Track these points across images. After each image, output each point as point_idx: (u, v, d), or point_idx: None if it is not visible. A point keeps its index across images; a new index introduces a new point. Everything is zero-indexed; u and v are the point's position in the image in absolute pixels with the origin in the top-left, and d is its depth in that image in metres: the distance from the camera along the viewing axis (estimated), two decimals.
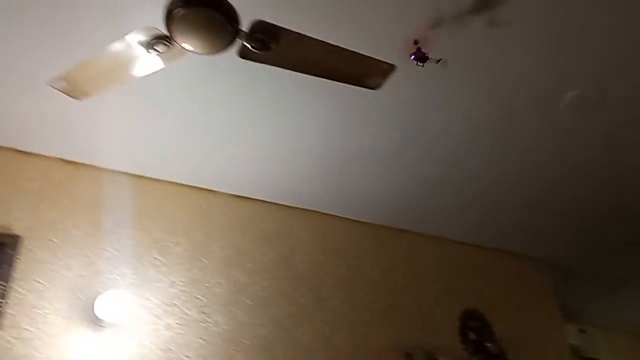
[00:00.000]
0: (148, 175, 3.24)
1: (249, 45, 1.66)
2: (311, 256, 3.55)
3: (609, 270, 4.76)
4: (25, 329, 2.49)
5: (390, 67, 1.89)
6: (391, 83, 2.35)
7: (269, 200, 3.57)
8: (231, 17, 1.55)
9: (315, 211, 3.72)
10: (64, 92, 1.92)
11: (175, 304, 2.90)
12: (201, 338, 2.87)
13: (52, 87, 1.89)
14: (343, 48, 1.83)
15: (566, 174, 3.32)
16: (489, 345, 2.86)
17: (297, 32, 1.66)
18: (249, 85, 2.49)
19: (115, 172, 3.16)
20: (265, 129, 2.83)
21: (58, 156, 3.03)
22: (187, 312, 2.91)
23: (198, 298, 2.99)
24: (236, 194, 3.46)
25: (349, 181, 3.41)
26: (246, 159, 3.13)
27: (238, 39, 1.64)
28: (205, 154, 3.08)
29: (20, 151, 2.93)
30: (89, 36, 2.09)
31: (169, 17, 1.52)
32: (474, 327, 3.02)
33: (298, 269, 3.45)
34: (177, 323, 2.85)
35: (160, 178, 3.26)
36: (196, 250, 3.14)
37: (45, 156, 2.99)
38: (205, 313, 2.96)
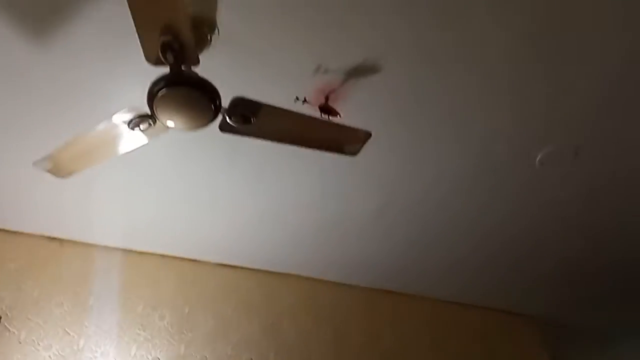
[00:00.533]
0: (132, 248, 3.24)
1: (229, 121, 1.73)
2: (299, 323, 3.50)
3: (601, 323, 4.75)
4: None
5: (367, 135, 1.97)
6: (369, 147, 2.47)
7: (253, 267, 3.56)
8: (212, 94, 1.62)
9: (302, 276, 3.71)
10: (49, 172, 1.96)
11: None
12: None
13: (38, 167, 1.92)
14: (319, 119, 1.92)
15: (554, 229, 3.34)
16: None
17: (275, 106, 1.74)
18: (229, 156, 2.55)
19: (100, 246, 3.15)
20: (246, 198, 2.87)
21: (43, 234, 3.02)
22: None
23: None
24: (220, 262, 3.45)
25: (333, 245, 3.42)
26: (228, 227, 3.15)
27: (220, 114, 1.71)
28: (188, 224, 3.09)
29: (5, 230, 2.92)
30: (79, 119, 2.15)
31: (152, 97, 1.59)
32: None
33: (286, 337, 3.39)
34: None
35: (145, 250, 3.26)
36: (180, 323, 3.09)
37: (30, 234, 2.98)
38: None
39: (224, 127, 1.77)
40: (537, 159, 2.72)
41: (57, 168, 1.97)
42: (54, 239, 3.04)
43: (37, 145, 2.22)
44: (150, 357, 2.88)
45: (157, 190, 2.80)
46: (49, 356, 2.63)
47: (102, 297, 2.95)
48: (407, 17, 1.84)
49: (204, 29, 1.83)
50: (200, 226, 3.12)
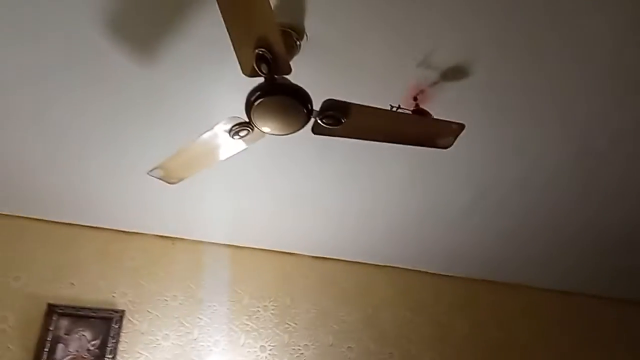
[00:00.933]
0: (237, 244, 3.42)
1: (321, 123, 1.79)
2: (396, 313, 3.53)
3: None
4: None
5: (460, 127, 1.93)
6: (460, 139, 2.42)
7: (350, 259, 3.62)
8: (304, 100, 1.69)
9: (396, 267, 3.73)
10: (161, 179, 2.14)
11: None
12: None
13: (151, 175, 2.11)
14: (411, 114, 1.92)
15: None
16: None
17: (365, 105, 1.77)
18: (322, 154, 2.60)
19: (207, 243, 3.38)
20: (339, 194, 2.92)
21: (155, 233, 3.29)
22: None
23: None
24: (319, 255, 3.56)
25: (427, 237, 3.40)
26: (325, 222, 3.23)
27: (312, 118, 1.77)
28: (287, 221, 3.22)
29: (121, 231, 3.22)
30: (182, 129, 2.31)
31: (249, 106, 1.68)
32: None
33: (384, 327, 3.44)
34: None
35: (249, 246, 3.43)
36: (283, 314, 3.24)
37: (143, 234, 3.26)
38: None
39: (317, 130, 1.83)
40: None
41: (168, 175, 2.14)
42: (166, 237, 3.30)
43: (146, 155, 2.44)
44: (257, 346, 3.06)
45: (259, 190, 2.93)
46: (168, 346, 2.89)
47: (211, 290, 3.17)
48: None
49: (292, 37, 1.89)
50: (298, 222, 3.24)
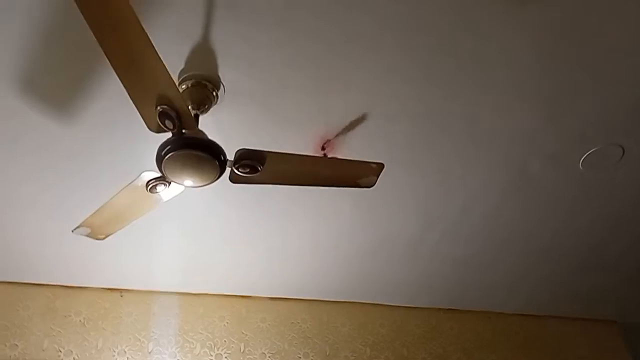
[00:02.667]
0: (188, 291, 3.37)
1: (238, 172, 1.80)
2: (356, 350, 3.49)
3: None
4: None
5: (379, 166, 1.96)
6: (396, 174, 2.46)
7: (306, 297, 3.59)
8: (215, 152, 1.69)
9: (355, 302, 3.69)
10: (88, 236, 2.12)
11: None
12: None
13: (77, 233, 2.08)
14: (328, 158, 1.94)
15: (607, 232, 3.16)
16: None
17: (280, 153, 1.79)
18: (267, 196, 2.60)
19: (157, 293, 3.31)
20: (280, 235, 2.91)
21: (102, 286, 3.22)
22: None
23: None
24: (272, 296, 3.52)
25: (381, 269, 3.39)
26: (273, 263, 3.20)
27: (227, 168, 1.78)
28: (239, 264, 3.18)
29: (67, 286, 3.15)
30: (105, 184, 2.30)
31: (160, 161, 1.69)
32: None
33: None
34: None
35: (200, 292, 3.38)
36: None
37: (90, 288, 3.20)
38: None
39: (233, 179, 1.84)
40: (580, 161, 2.58)
41: (95, 232, 2.12)
42: (114, 289, 3.24)
43: (76, 211, 2.41)
44: None
45: (206, 235, 2.91)
46: None
47: (160, 341, 3.10)
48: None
49: (208, 88, 1.92)
50: (246, 264, 3.20)
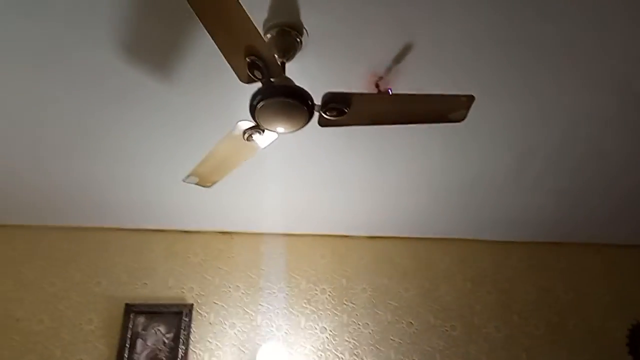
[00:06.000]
0: (291, 232, 3.58)
1: (326, 115, 1.85)
2: (456, 285, 3.53)
3: None
4: None
5: (470, 98, 1.90)
6: (490, 105, 2.38)
7: (402, 235, 3.65)
8: (303, 98, 1.76)
9: (452, 239, 3.70)
10: (196, 184, 2.32)
11: (328, 349, 3.13)
12: None
13: (187, 182, 2.29)
14: (415, 94, 1.93)
15: None
16: None
17: (365, 93, 1.82)
18: (358, 137, 2.64)
19: (263, 234, 3.56)
20: (376, 174, 2.95)
21: (215, 229, 3.52)
22: (340, 355, 3.12)
23: (348, 341, 3.18)
24: (371, 235, 3.62)
25: (477, 204, 3.34)
26: (372, 202, 3.28)
27: (316, 112, 1.84)
28: (335, 204, 3.30)
29: (184, 231, 3.48)
30: (208, 136, 2.47)
31: (253, 110, 1.79)
32: None
33: (444, 300, 3.45)
34: None
35: (302, 233, 3.58)
36: (340, 295, 3.36)
37: (204, 232, 3.51)
38: (356, 355, 3.14)
39: (322, 122, 1.89)
40: None
41: (203, 180, 2.31)
42: (225, 232, 3.52)
43: (187, 161, 2.63)
44: (317, 328, 3.21)
45: (303, 180, 3.03)
46: (234, 333, 3.12)
47: (270, 278, 3.36)
48: None
49: (292, 35, 1.96)
50: (346, 204, 3.31)
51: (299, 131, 1.90)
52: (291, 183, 3.08)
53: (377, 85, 2.15)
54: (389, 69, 2.10)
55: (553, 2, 1.87)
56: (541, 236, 3.75)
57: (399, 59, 2.08)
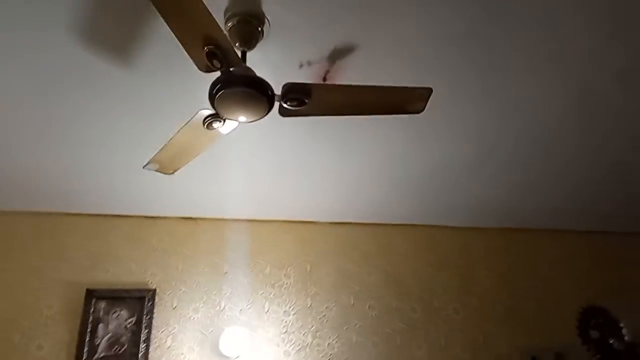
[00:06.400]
0: (256, 218, 3.60)
1: (286, 105, 1.87)
2: (418, 270, 3.62)
3: None
4: None
5: (427, 91, 1.95)
6: (454, 98, 2.43)
7: (366, 221, 3.72)
8: (262, 87, 1.77)
9: (415, 224, 3.79)
10: (157, 171, 2.31)
11: (292, 332, 3.19)
12: None
13: (148, 169, 2.28)
14: (373, 86, 1.96)
15: None
16: (612, 342, 2.68)
17: (325, 84, 1.84)
18: (320, 125, 2.66)
19: (228, 220, 3.57)
20: (338, 162, 2.98)
21: (179, 215, 3.51)
22: (303, 338, 3.18)
23: (311, 324, 3.24)
24: (333, 220, 3.68)
25: (439, 191, 3.42)
26: (335, 189, 3.32)
27: (276, 102, 1.86)
28: (300, 191, 3.33)
29: (148, 217, 3.46)
30: (171, 124, 2.45)
31: (212, 99, 1.79)
32: (595, 324, 2.85)
33: (406, 284, 3.54)
34: (294, 349, 3.13)
35: (266, 219, 3.60)
36: (304, 280, 3.42)
37: (168, 217, 3.49)
38: (319, 337, 3.20)
39: (283, 112, 1.91)
40: None
41: (163, 167, 2.30)
42: (189, 218, 3.52)
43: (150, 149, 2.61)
44: (281, 312, 3.26)
45: (263, 166, 3.04)
46: (197, 317, 3.14)
47: (234, 263, 3.38)
48: None
49: (253, 24, 1.96)
50: (310, 191, 3.34)
51: (262, 119, 1.92)
52: (255, 170, 3.09)
53: (324, 79, 2.17)
54: (332, 63, 2.12)
55: (501, 2, 1.92)
56: (498, 223, 3.87)
57: (338, 55, 2.11)
